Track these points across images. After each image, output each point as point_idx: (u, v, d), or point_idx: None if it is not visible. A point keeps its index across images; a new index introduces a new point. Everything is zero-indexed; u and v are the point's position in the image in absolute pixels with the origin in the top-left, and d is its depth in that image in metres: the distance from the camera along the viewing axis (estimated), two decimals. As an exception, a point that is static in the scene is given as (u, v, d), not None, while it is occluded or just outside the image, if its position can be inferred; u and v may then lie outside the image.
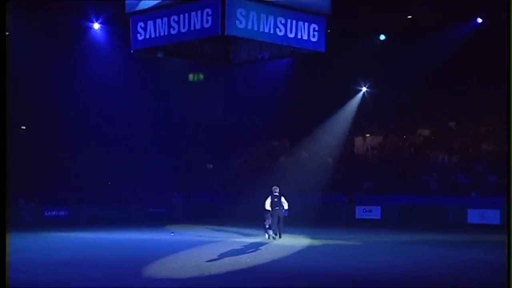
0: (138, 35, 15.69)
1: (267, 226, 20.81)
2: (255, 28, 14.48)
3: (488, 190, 29.73)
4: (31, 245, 18.81)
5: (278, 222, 20.80)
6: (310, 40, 15.59)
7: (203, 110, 39.48)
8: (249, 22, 14.32)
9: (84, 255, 16.58)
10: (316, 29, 15.73)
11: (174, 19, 14.91)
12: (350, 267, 14.74)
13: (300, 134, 40.20)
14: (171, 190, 36.79)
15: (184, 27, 14.66)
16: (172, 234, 21.26)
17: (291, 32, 15.26)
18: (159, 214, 32.76)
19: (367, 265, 14.96)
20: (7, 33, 30.56)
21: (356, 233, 24.22)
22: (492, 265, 14.54)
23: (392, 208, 30.46)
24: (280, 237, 20.85)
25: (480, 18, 32.70)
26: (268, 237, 20.73)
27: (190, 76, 40.36)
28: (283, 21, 15.03)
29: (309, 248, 19.05)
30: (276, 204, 20.76)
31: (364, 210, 31.25)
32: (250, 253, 17.31)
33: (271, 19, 14.87)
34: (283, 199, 20.89)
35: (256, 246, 19.02)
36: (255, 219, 23.24)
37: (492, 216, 27.28)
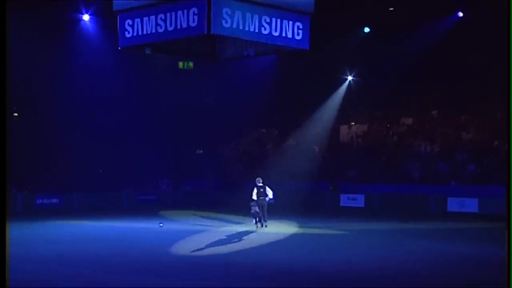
0: (126, 32, 15.62)
1: (253, 213, 21.23)
2: (241, 27, 14.47)
3: (467, 179, 29.90)
4: (21, 237, 18.49)
5: (262, 210, 21.19)
6: (295, 38, 15.60)
7: (193, 98, 39.37)
8: (234, 21, 14.29)
9: (74, 247, 16.38)
10: (300, 27, 15.73)
11: (161, 18, 14.86)
12: (329, 261, 14.49)
13: (287, 123, 40.32)
14: (161, 177, 36.80)
15: (170, 25, 14.62)
16: (161, 224, 21.27)
17: (275, 30, 15.25)
18: (149, 201, 32.79)
19: (346, 261, 14.53)
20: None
21: (339, 221, 24.28)
22: (476, 259, 14.58)
23: (376, 196, 30.56)
24: (265, 225, 21.14)
25: (461, 12, 33.38)
26: (256, 225, 21.11)
27: (180, 64, 40.09)
28: (268, 20, 15.02)
29: (292, 238, 19.12)
30: (261, 194, 21.26)
31: (348, 198, 31.32)
32: (233, 243, 17.39)
33: (256, 18, 14.85)
34: (267, 188, 21.35)
35: (240, 236, 19.12)
36: (241, 206, 23.38)
37: (471, 205, 27.49)
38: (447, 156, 32.24)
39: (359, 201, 30.96)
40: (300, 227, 22.17)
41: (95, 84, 34.68)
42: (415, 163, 32.76)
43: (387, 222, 24.09)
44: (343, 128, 39.86)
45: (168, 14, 14.63)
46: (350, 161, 35.65)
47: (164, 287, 11.68)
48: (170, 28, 14.66)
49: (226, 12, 14.20)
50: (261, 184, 21.19)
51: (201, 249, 16.11)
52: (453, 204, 27.99)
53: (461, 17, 33.54)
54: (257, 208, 20.92)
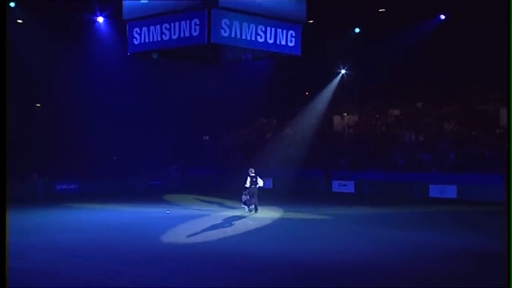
0: (134, 39, 15.67)
1: (244, 201, 21.51)
2: (238, 36, 14.49)
3: (447, 168, 29.95)
4: (41, 225, 18.51)
5: (253, 197, 21.44)
6: (288, 45, 15.63)
7: (199, 92, 39.38)
8: (232, 31, 14.32)
9: (87, 236, 16.05)
10: (293, 35, 15.77)
11: (166, 27, 14.90)
12: (307, 250, 13.90)
13: (286, 113, 40.37)
14: (170, 164, 36.93)
15: (174, 34, 14.66)
16: (168, 212, 21.38)
17: (270, 38, 15.28)
18: (158, 186, 32.93)
19: (326, 251, 13.97)
20: (20, 21, 30.75)
21: (329, 206, 24.29)
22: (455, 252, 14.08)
23: (365, 183, 30.62)
24: (256, 211, 21.33)
25: (443, 15, 33.95)
26: (248, 211, 21.34)
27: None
28: (263, 29, 15.05)
29: (275, 225, 18.82)
30: (253, 183, 21.49)
31: (340, 184, 31.40)
32: (220, 230, 17.43)
33: (252, 28, 14.87)
34: (258, 178, 21.49)
35: (230, 222, 19.23)
36: (239, 192, 23.52)
37: (450, 191, 27.57)
38: (429, 146, 32.26)
39: (349, 187, 31.01)
40: (288, 211, 22.20)
41: (110, 80, 34.76)
42: (401, 152, 32.80)
43: (372, 207, 24.13)
44: (336, 118, 39.85)
45: (172, 24, 14.67)
46: (341, 150, 35.68)
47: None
48: (174, 37, 14.71)
49: (225, 23, 14.22)
50: (253, 174, 21.40)
51: (195, 234, 16.27)
52: (435, 191, 28.04)
53: (442, 19, 34.04)
54: (248, 196, 21.23)
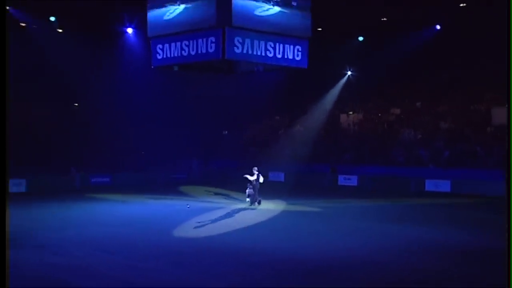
0: (157, 54, 15.97)
1: (249, 194, 21.45)
2: (250, 52, 14.71)
3: (442, 163, 29.81)
4: (77, 218, 18.20)
5: (256, 192, 21.44)
6: (295, 59, 15.82)
7: (218, 91, 39.45)
8: (244, 47, 14.54)
9: (116, 231, 15.63)
10: (300, 50, 15.93)
11: (185, 44, 15.16)
12: (307, 246, 13.52)
13: (297, 111, 40.32)
14: (192, 158, 37.15)
15: (193, 50, 14.92)
16: (188, 206, 21.41)
17: (279, 53, 15.46)
18: (180, 179, 33.05)
19: (325, 246, 13.55)
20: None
21: (332, 199, 24.18)
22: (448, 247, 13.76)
23: (367, 177, 30.60)
24: (259, 203, 21.31)
25: (439, 25, 34.01)
26: (251, 204, 21.29)
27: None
28: (272, 45, 15.24)
29: (278, 218, 18.58)
30: (256, 180, 21.42)
31: (345, 178, 31.39)
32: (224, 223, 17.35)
33: (262, 44, 15.06)
34: (260, 176, 21.40)
35: (240, 215, 19.18)
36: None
37: (445, 185, 27.45)
38: (426, 143, 32.13)
39: (353, 181, 30.94)
40: (290, 204, 22.09)
41: (138, 83, 35.08)
42: (401, 149, 32.70)
43: (372, 200, 24.07)
44: (343, 116, 39.78)
45: (191, 41, 14.94)
46: (346, 146, 35.66)
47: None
48: (192, 53, 14.96)
49: (238, 40, 14.44)
50: (257, 172, 21.37)
51: (204, 228, 16.25)
52: (430, 185, 27.90)
53: (438, 29, 34.07)
54: (252, 190, 21.23)
